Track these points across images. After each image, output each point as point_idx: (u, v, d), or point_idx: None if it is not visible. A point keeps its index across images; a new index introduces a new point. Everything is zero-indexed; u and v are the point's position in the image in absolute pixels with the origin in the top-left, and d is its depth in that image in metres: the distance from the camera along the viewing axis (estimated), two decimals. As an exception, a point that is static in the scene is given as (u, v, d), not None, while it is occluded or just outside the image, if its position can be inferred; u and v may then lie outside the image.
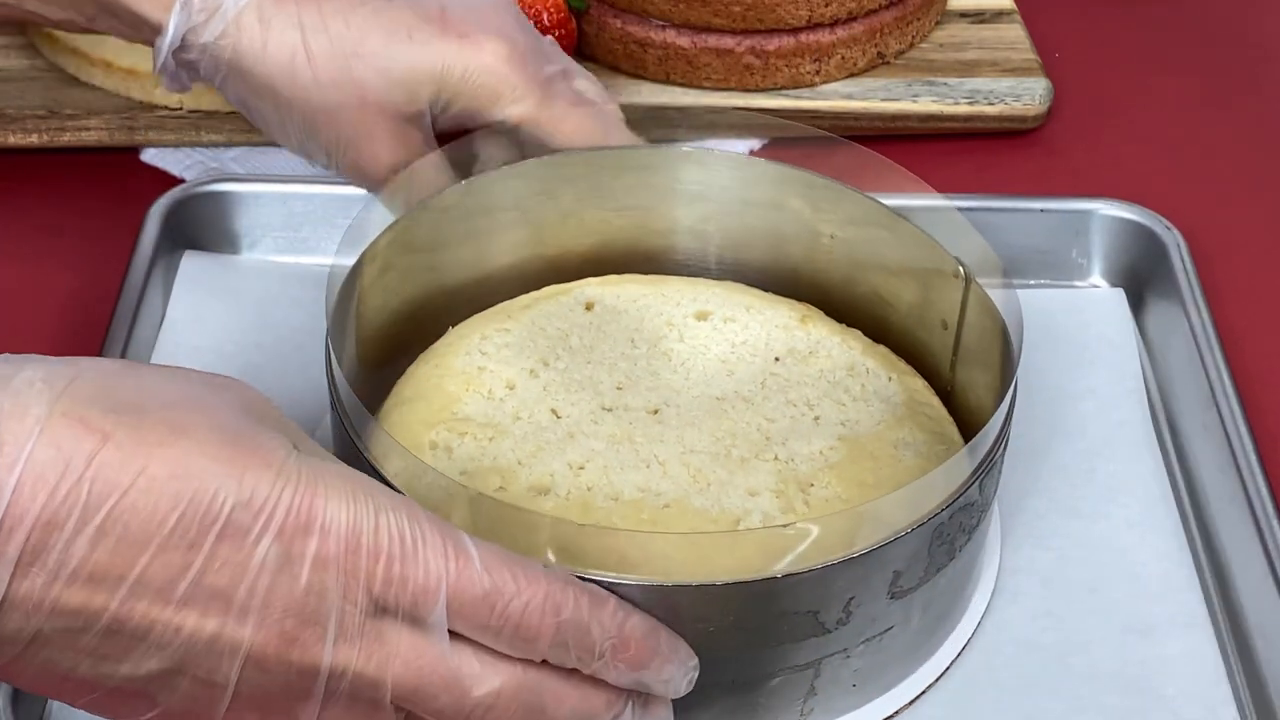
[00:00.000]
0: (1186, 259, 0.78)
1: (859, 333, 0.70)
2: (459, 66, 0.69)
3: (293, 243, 0.81)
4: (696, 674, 0.56)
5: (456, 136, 0.71)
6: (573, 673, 0.53)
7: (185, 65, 0.69)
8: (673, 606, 0.55)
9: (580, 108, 0.71)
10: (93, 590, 0.47)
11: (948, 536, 0.59)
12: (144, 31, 0.69)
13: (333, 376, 0.61)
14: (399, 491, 0.53)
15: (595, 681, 0.54)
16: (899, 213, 0.68)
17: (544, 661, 0.52)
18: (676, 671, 0.56)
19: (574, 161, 0.71)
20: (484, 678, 0.52)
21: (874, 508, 0.57)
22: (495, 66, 0.69)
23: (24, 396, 0.47)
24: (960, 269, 0.66)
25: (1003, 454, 0.62)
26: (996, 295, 0.65)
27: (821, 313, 0.71)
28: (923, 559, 0.58)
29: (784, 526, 0.57)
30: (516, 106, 0.69)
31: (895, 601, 0.59)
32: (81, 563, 0.46)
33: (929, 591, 0.60)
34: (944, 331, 0.68)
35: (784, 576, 0.55)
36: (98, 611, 0.47)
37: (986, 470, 0.60)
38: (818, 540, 0.56)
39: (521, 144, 0.71)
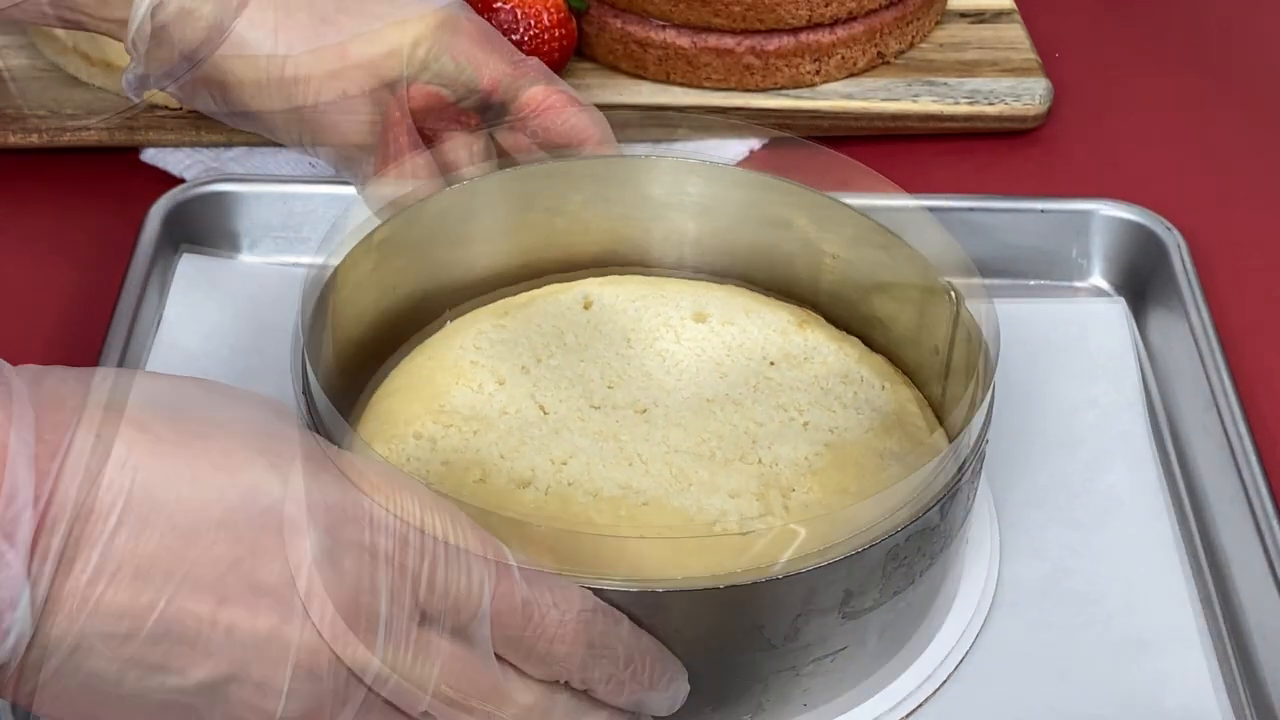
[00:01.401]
0: (1187, 259, 0.78)
1: (857, 340, 0.70)
2: (435, 31, 0.69)
3: (293, 243, 0.81)
4: (686, 693, 0.56)
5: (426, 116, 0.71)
6: (584, 694, 0.52)
7: (160, 31, 0.67)
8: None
9: (551, 81, 0.71)
10: (140, 587, 0.44)
11: (904, 559, 0.58)
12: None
13: (307, 380, 0.61)
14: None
15: (603, 704, 0.53)
16: (897, 235, 0.68)
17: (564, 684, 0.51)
18: (678, 691, 0.55)
19: (579, 166, 0.71)
20: (518, 692, 0.50)
21: (838, 517, 0.56)
22: (470, 32, 0.69)
23: (59, 390, 0.45)
24: (951, 293, 0.65)
25: (970, 481, 0.61)
26: (975, 309, 0.64)
27: (821, 319, 0.71)
28: (877, 581, 0.57)
29: (742, 534, 0.57)
30: (488, 71, 0.69)
31: (848, 622, 0.58)
32: (127, 555, 0.44)
33: (886, 614, 0.59)
34: (936, 356, 0.67)
35: (726, 588, 0.55)
36: (145, 610, 0.44)
37: (949, 496, 0.59)
38: (771, 548, 0.55)
39: (493, 145, 0.72)
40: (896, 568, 0.58)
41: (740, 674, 0.57)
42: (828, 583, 0.56)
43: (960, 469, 0.59)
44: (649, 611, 0.55)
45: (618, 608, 0.54)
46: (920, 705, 0.62)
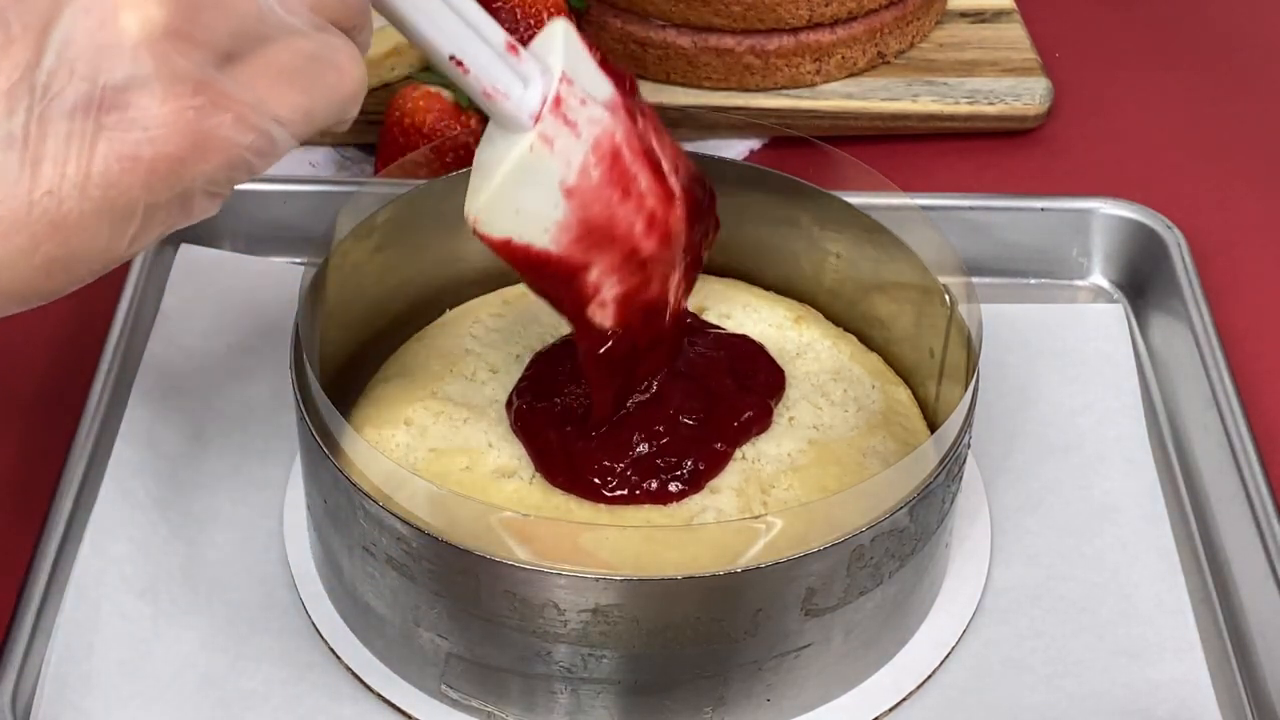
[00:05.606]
0: (1187, 258, 0.78)
1: (853, 338, 0.70)
2: None
3: (292, 243, 0.80)
4: None
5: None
6: None
7: None
8: (572, 597, 0.55)
9: None
10: None
11: (871, 560, 0.57)
12: None
13: (304, 374, 0.61)
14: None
15: None
16: (898, 235, 0.67)
17: None
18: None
19: None
20: None
21: (813, 513, 0.56)
22: None
23: None
24: (946, 296, 0.65)
25: (946, 484, 0.60)
26: (964, 311, 0.64)
27: (820, 315, 0.71)
28: (841, 579, 0.57)
29: (732, 521, 0.57)
30: None
31: (811, 619, 0.57)
32: None
33: (853, 614, 0.58)
34: (931, 358, 0.67)
35: (684, 579, 0.55)
36: None
37: (919, 498, 0.58)
38: (740, 543, 0.55)
39: None
40: (862, 568, 0.57)
41: (701, 666, 0.57)
42: (789, 579, 0.56)
43: (933, 471, 0.59)
44: (606, 600, 0.55)
45: (575, 596, 0.54)
46: (892, 709, 0.61)
